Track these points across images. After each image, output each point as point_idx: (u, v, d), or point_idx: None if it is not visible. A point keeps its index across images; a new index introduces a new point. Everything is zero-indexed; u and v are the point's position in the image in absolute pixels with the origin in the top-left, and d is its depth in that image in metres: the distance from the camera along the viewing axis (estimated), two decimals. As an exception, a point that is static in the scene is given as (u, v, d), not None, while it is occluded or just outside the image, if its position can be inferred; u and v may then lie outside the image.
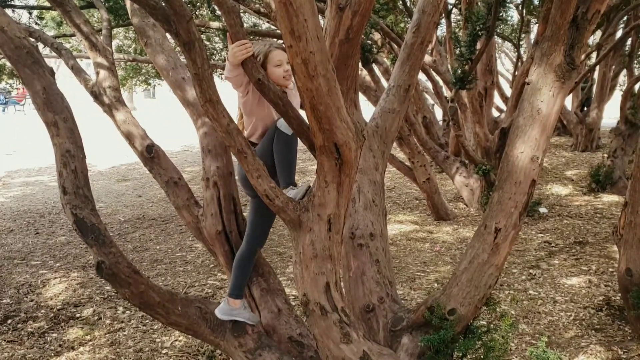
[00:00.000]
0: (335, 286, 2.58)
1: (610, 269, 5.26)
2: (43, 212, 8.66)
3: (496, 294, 4.77)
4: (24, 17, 9.49)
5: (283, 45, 2.58)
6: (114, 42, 10.61)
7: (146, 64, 11.19)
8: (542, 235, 6.50)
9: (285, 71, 2.70)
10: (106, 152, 14.81)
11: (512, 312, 4.44)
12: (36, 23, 7.46)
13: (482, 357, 2.74)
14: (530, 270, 5.38)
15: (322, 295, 2.57)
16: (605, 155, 9.03)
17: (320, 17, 2.23)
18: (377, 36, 8.61)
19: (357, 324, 2.96)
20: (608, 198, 8.03)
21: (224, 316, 3.07)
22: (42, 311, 4.78)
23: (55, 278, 5.61)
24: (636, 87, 9.01)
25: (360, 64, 6.38)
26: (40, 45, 4.37)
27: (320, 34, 2.04)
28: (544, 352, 2.63)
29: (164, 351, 4.03)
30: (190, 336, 4.01)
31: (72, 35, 7.70)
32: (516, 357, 3.76)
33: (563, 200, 8.14)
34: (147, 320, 4.50)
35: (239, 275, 3.10)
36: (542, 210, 7.38)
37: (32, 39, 3.70)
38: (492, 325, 2.93)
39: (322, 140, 2.35)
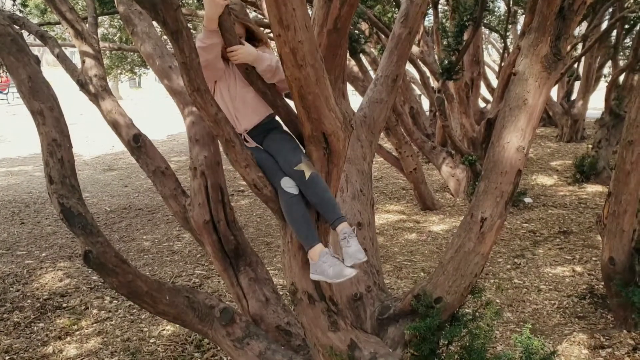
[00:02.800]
0: (323, 274, 2.60)
1: (594, 258, 5.34)
2: (28, 202, 8.58)
3: (482, 282, 4.82)
4: (7, 3, 9.35)
5: (237, 15, 2.47)
6: (99, 31, 10.47)
7: (132, 53, 11.09)
8: (527, 225, 6.57)
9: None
10: (92, 141, 14.68)
11: (497, 301, 4.50)
12: (20, 10, 7.35)
13: (467, 344, 2.77)
14: (515, 260, 5.45)
15: (310, 284, 2.58)
16: (590, 146, 9.12)
17: (308, 7, 2.22)
18: (364, 26, 8.60)
19: (345, 313, 2.98)
20: (592, 188, 8.13)
21: (314, 276, 2.50)
22: (29, 301, 4.75)
23: (41, 268, 5.58)
24: (621, 78, 9.09)
25: (347, 54, 6.37)
26: (24, 33, 4.31)
27: (308, 24, 2.04)
28: (527, 339, 2.67)
29: (151, 340, 4.04)
30: (178, 325, 4.02)
31: (57, 23, 7.61)
32: (501, 344, 3.81)
33: (548, 190, 8.23)
34: (135, 310, 4.50)
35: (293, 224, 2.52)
36: (527, 200, 7.46)
37: (16, 27, 3.65)
38: (477, 314, 2.97)
39: (311, 130, 2.35)
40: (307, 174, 2.41)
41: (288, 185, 2.46)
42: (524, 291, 4.71)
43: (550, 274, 5.05)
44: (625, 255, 3.77)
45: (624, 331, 3.73)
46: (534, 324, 4.10)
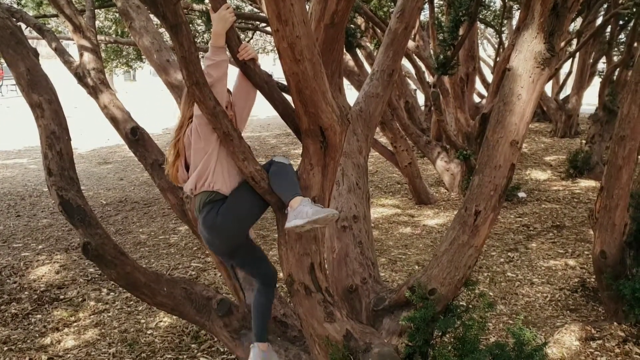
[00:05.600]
0: (319, 267, 2.64)
1: (586, 252, 5.40)
2: (24, 194, 8.58)
3: (475, 275, 4.88)
4: (2, -4, 9.29)
5: None
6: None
7: (127, 46, 11.07)
8: (520, 219, 6.63)
9: None
10: (87, 134, 14.66)
11: (491, 294, 4.55)
12: (18, 3, 7.33)
13: (460, 335, 2.82)
14: (509, 253, 5.51)
15: (306, 276, 2.62)
16: (584, 141, 9.19)
17: (305, 2, 2.25)
18: (360, 20, 8.62)
19: (341, 304, 3.02)
20: (585, 183, 8.20)
21: (292, 222, 2.49)
22: (26, 293, 4.78)
23: (38, 260, 5.60)
24: (614, 74, 9.16)
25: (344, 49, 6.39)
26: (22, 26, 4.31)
27: (306, 19, 2.08)
28: (520, 330, 2.72)
29: (149, 332, 4.07)
30: (175, 317, 4.07)
31: (53, 15, 7.60)
32: (494, 336, 3.87)
33: (542, 185, 8.29)
34: (132, 302, 4.53)
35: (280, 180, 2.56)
36: (521, 194, 7.52)
37: (14, 19, 3.66)
38: (471, 305, 3.02)
39: (308, 124, 2.39)
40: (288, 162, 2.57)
41: (280, 159, 2.58)
42: (517, 284, 4.77)
43: (543, 267, 5.11)
44: (616, 248, 3.83)
45: (615, 323, 3.78)
46: (526, 316, 4.16)
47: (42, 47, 7.43)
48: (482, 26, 15.12)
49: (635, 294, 3.55)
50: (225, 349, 3.71)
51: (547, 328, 3.95)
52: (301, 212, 2.32)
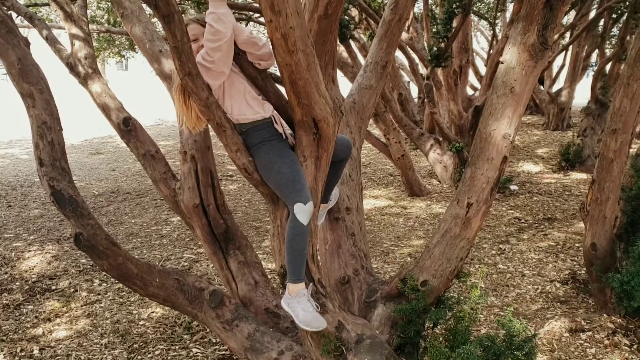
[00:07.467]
0: (312, 258, 2.64)
1: (577, 244, 5.44)
2: (15, 185, 8.53)
3: (467, 267, 4.90)
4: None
5: (198, 18, 2.47)
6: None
7: (119, 36, 10.98)
8: (512, 211, 6.66)
9: (201, 46, 2.37)
10: (79, 125, 14.57)
11: (482, 286, 4.58)
12: (7, -9, 7.26)
13: (452, 326, 2.84)
14: (500, 245, 5.54)
15: (299, 267, 2.62)
16: (576, 134, 9.22)
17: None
18: (354, 12, 8.59)
19: (333, 295, 3.03)
20: (577, 176, 8.24)
21: (285, 307, 2.54)
22: (17, 283, 4.76)
23: (29, 251, 5.58)
24: (607, 67, 9.18)
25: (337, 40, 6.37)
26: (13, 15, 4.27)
27: (300, 9, 2.07)
28: (510, 322, 2.74)
29: (141, 322, 4.07)
30: (167, 308, 4.06)
31: (44, 4, 7.53)
32: (485, 327, 3.90)
33: (533, 177, 8.33)
34: (124, 293, 4.53)
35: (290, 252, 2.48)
36: (513, 187, 7.55)
37: (4, 7, 3.62)
38: (462, 297, 3.03)
39: (301, 115, 2.38)
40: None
41: (299, 211, 2.40)
42: (508, 276, 4.80)
43: (534, 260, 5.14)
44: (606, 241, 3.86)
45: (604, 315, 3.82)
46: (517, 308, 4.19)
47: (34, 36, 7.36)
48: (476, 19, 15.11)
49: (624, 287, 3.58)
50: (218, 340, 3.72)
51: (538, 320, 3.98)
52: (295, 309, 2.46)
